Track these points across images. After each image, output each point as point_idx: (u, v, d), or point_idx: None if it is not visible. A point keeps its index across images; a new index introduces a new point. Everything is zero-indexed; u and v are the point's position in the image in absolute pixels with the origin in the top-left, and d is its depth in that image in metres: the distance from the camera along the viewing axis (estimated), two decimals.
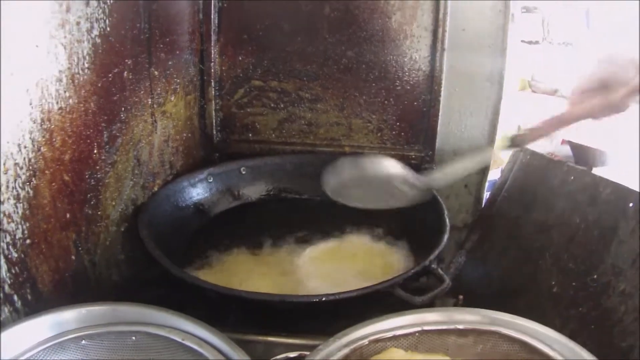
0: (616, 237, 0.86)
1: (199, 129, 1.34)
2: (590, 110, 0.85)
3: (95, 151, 0.91)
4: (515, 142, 0.94)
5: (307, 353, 0.68)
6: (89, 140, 0.89)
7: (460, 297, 1.04)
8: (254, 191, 1.29)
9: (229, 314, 0.86)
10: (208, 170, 1.24)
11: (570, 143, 2.79)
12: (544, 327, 0.71)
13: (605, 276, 0.85)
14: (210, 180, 1.23)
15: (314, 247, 1.09)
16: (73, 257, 0.85)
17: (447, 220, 1.04)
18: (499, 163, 1.42)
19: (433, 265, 0.91)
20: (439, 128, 1.29)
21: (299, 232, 1.14)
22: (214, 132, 1.34)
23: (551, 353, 0.68)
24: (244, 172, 1.28)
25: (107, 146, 0.95)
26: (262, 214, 1.25)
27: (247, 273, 1.03)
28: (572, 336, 0.81)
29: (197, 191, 1.20)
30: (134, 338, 0.71)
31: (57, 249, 0.81)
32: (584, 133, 2.61)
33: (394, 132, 1.32)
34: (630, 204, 0.86)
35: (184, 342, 0.68)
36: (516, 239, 1.08)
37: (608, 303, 0.83)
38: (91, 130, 0.90)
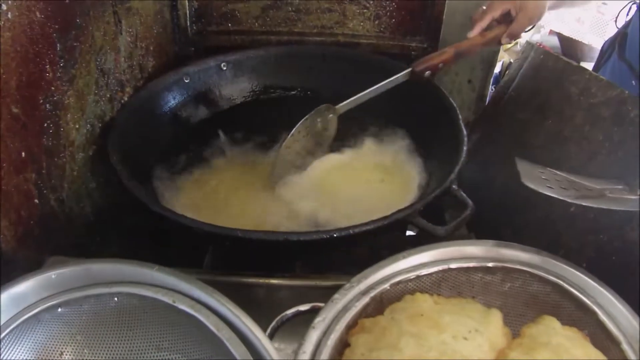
0: None
1: (171, 21, 1.17)
2: (495, 38, 1.00)
3: (48, 69, 0.77)
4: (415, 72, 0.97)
5: (321, 305, 0.61)
6: (38, 59, 0.75)
7: None
8: (236, 90, 1.15)
9: (222, 252, 0.79)
10: (183, 69, 1.09)
11: (558, 34, 2.65)
12: (580, 270, 0.66)
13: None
14: (187, 81, 1.09)
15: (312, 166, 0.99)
16: (37, 201, 0.76)
17: (464, 129, 0.94)
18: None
19: (454, 186, 0.83)
20: (444, 17, 1.14)
21: None
22: (188, 24, 1.17)
23: (586, 299, 0.63)
24: (224, 69, 1.13)
25: (62, 61, 0.81)
26: (248, 116, 1.13)
27: (234, 191, 0.95)
28: (590, 265, 0.76)
29: (173, 95, 1.07)
30: (116, 299, 0.63)
31: (16, 196, 0.71)
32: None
33: (393, 21, 1.17)
34: None
35: (175, 304, 0.60)
36: (524, 146, 0.98)
37: (632, 235, 0.75)
38: (40, 46, 0.75)
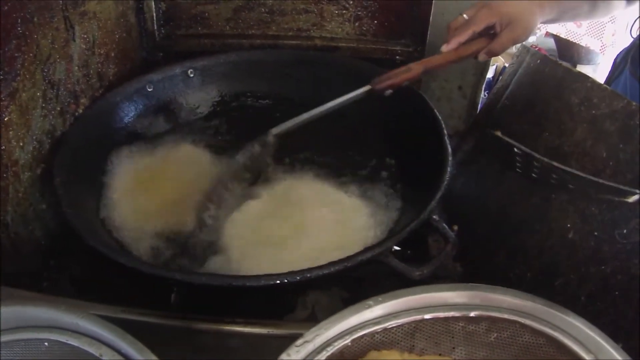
0: None
1: (137, 25, 1.09)
2: (471, 54, 0.91)
3: None
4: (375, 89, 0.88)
5: None
6: None
7: (455, 227, 0.91)
8: (203, 99, 1.07)
9: (169, 292, 0.71)
10: (147, 77, 1.01)
11: (554, 36, 2.58)
12: (579, 320, 0.57)
13: (638, 234, 0.69)
14: (151, 90, 1.01)
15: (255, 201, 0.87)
16: None
17: (449, 148, 0.85)
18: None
19: (434, 217, 0.73)
20: (431, 18, 1.05)
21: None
22: (156, 28, 1.10)
23: (585, 356, 0.55)
24: (191, 75, 1.05)
25: (1, 73, 0.73)
26: (216, 127, 1.04)
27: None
28: (590, 300, 0.72)
29: (135, 106, 0.99)
30: (46, 344, 0.58)
31: None
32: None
33: (375, 22, 1.09)
34: None
35: (101, 357, 0.55)
36: (521, 160, 0.91)
37: (638, 269, 0.67)
38: None
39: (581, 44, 2.51)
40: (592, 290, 0.72)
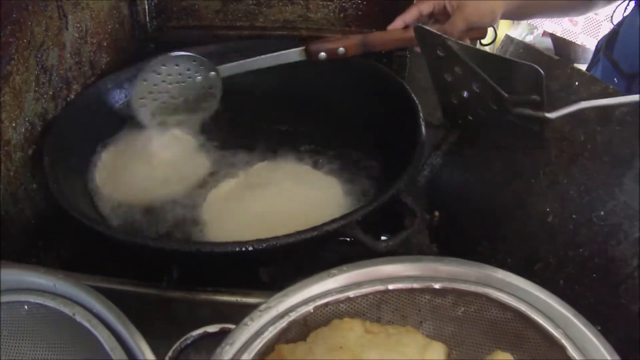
0: (632, 170, 0.69)
1: (130, 17, 1.13)
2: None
3: None
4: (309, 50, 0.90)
5: (232, 326, 0.55)
6: None
7: (436, 213, 0.93)
8: None
9: (144, 261, 0.75)
10: (137, 66, 1.02)
11: (552, 35, 2.59)
12: (547, 294, 0.57)
13: (615, 216, 0.69)
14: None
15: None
16: None
17: (423, 128, 0.87)
18: None
19: (403, 194, 0.75)
20: None
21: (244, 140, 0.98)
22: (148, 20, 1.14)
23: (553, 331, 0.54)
24: None
25: None
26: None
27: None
28: (568, 283, 0.72)
29: (126, 93, 1.02)
30: (26, 307, 0.61)
31: None
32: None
33: (359, 13, 1.12)
34: None
35: (74, 317, 0.57)
36: (504, 147, 0.91)
37: (617, 251, 0.68)
38: None
39: (577, 42, 2.52)
40: (571, 274, 0.73)
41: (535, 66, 0.70)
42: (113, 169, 0.91)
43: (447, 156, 1.04)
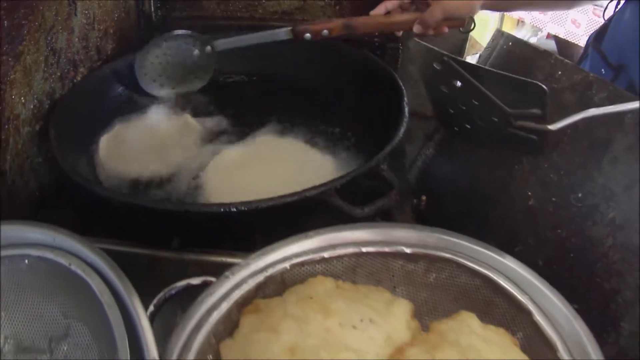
0: (609, 153, 0.72)
1: (135, 6, 1.19)
2: (402, 23, 0.93)
3: None
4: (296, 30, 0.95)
5: (213, 279, 0.59)
6: None
7: (423, 198, 0.96)
8: None
9: (138, 224, 0.80)
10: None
11: (555, 37, 2.60)
12: (514, 262, 0.60)
13: (593, 197, 0.72)
14: None
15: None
16: None
17: (406, 110, 0.92)
18: (477, 48, 1.27)
19: (382, 166, 0.80)
20: None
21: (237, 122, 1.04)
22: (153, 10, 1.19)
23: (520, 297, 0.57)
24: None
25: (9, 37, 0.83)
26: (202, 101, 1.12)
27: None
28: (547, 263, 0.74)
29: (129, 78, 1.07)
30: (26, 262, 0.65)
31: None
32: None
33: (353, 5, 1.16)
34: (629, 115, 0.71)
35: (70, 267, 0.62)
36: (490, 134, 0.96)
37: (593, 231, 0.71)
38: None
39: (580, 44, 2.54)
40: (550, 254, 0.75)
41: (540, 84, 0.71)
42: (116, 146, 0.97)
43: (439, 146, 1.08)
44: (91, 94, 1.01)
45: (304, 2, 1.17)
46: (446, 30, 0.96)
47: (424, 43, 0.84)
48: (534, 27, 2.71)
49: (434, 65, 0.82)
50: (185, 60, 1.07)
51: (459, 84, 0.80)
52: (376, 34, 1.13)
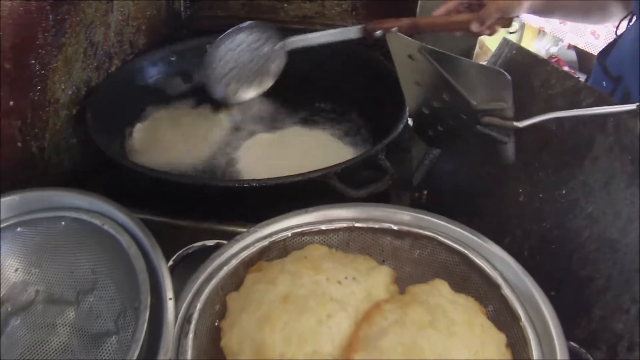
0: (591, 152, 0.77)
1: (166, 5, 1.28)
2: (462, 23, 0.96)
3: (39, 36, 0.89)
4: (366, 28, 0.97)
5: (225, 242, 0.68)
6: (31, 27, 0.87)
7: (424, 192, 1.03)
8: None
9: (163, 197, 0.88)
10: (171, 47, 1.20)
11: (576, 48, 2.63)
12: (488, 242, 0.68)
13: (574, 193, 0.77)
14: (174, 59, 1.20)
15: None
16: (19, 144, 0.87)
17: (407, 110, 0.98)
18: (489, 55, 1.32)
19: (380, 156, 0.87)
20: (418, 9, 1.17)
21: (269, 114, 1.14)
22: (182, 9, 1.29)
23: (492, 273, 0.65)
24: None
25: (53, 30, 0.93)
26: None
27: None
28: (531, 253, 0.80)
29: (159, 70, 1.18)
30: (63, 223, 0.72)
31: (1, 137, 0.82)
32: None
33: (368, 11, 1.24)
34: (611, 118, 0.76)
35: (103, 226, 0.69)
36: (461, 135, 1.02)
37: (573, 224, 0.76)
38: (34, 16, 0.87)
39: None
40: (533, 245, 0.80)
41: (502, 70, 0.73)
42: (148, 134, 1.07)
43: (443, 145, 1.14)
44: (124, 84, 1.11)
45: (323, 7, 1.25)
46: (498, 29, 1.00)
47: (402, 35, 0.88)
48: (555, 38, 2.71)
49: (408, 56, 0.86)
50: (254, 58, 1.07)
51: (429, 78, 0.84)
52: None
